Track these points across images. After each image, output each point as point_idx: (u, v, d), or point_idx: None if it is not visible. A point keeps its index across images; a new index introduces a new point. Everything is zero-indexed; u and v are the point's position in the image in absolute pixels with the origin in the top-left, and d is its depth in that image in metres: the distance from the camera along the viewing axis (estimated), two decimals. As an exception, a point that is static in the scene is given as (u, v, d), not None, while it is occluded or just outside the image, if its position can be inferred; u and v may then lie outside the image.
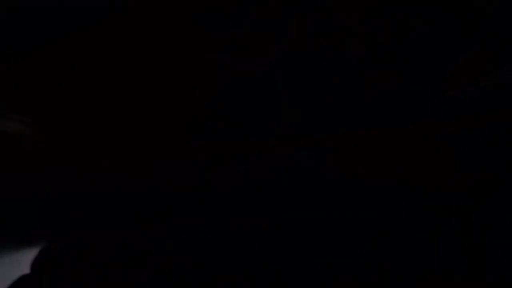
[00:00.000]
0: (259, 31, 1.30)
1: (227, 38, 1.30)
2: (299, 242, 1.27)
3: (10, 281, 1.25)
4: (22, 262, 1.28)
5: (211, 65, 1.34)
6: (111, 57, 1.29)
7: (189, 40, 1.30)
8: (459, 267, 1.23)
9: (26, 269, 1.27)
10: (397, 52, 1.29)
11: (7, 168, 1.31)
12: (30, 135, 1.31)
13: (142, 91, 1.33)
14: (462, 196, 1.29)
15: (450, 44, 1.31)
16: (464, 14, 1.29)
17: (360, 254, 1.25)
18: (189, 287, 1.26)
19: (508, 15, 1.30)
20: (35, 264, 1.27)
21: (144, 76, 1.33)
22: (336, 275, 1.24)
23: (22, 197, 1.32)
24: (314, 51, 1.30)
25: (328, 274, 1.24)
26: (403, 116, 1.31)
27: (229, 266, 1.26)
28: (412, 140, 1.34)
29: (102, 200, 1.32)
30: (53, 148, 1.32)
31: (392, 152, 1.33)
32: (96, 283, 1.24)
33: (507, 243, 1.24)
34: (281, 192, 1.32)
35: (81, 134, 1.32)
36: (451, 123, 1.34)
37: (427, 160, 1.33)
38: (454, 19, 1.28)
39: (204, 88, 1.35)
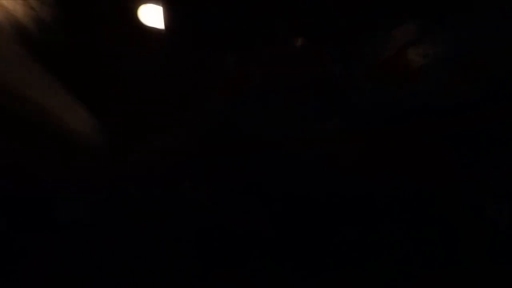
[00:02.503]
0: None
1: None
2: (299, 241, 1.27)
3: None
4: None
5: (210, 65, 1.35)
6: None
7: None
8: (459, 266, 1.24)
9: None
10: None
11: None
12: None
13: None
14: (460, 196, 1.30)
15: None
16: None
17: (359, 253, 1.25)
18: (189, 286, 1.25)
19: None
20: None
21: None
22: (336, 274, 1.24)
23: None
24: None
25: (328, 273, 1.24)
26: None
27: (229, 265, 1.26)
28: (410, 140, 1.35)
29: (103, 198, 1.32)
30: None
31: (390, 152, 1.34)
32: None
33: (505, 242, 1.24)
34: (281, 192, 1.32)
35: None
36: (446, 124, 1.35)
37: (425, 160, 1.34)
38: None
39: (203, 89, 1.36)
